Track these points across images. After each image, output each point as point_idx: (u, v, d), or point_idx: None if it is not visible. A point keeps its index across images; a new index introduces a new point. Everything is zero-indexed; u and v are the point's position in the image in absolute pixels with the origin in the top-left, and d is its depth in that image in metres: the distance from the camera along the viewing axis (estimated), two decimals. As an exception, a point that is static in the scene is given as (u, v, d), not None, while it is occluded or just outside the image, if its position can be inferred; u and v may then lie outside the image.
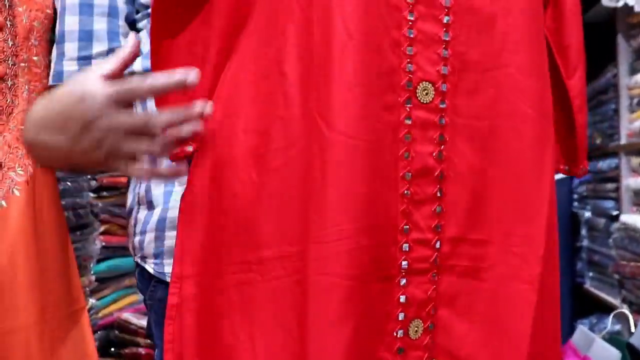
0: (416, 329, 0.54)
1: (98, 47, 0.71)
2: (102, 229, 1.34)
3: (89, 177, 1.24)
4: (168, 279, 0.72)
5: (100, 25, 0.71)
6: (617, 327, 1.56)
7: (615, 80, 1.80)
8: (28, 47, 0.77)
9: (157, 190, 0.76)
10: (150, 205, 0.76)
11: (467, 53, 0.55)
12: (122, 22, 0.73)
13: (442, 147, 0.55)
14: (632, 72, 1.73)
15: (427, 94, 0.54)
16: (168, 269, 0.73)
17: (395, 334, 0.53)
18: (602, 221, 1.98)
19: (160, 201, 0.76)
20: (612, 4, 1.60)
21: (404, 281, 0.53)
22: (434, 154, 0.54)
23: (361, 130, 0.51)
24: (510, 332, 0.54)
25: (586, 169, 0.70)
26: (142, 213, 0.77)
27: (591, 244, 2.11)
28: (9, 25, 0.76)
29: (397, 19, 0.53)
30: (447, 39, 0.55)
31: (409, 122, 0.54)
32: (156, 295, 0.74)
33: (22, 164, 0.73)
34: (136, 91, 0.53)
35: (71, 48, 0.71)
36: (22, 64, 0.76)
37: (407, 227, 0.53)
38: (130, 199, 0.80)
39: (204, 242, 0.57)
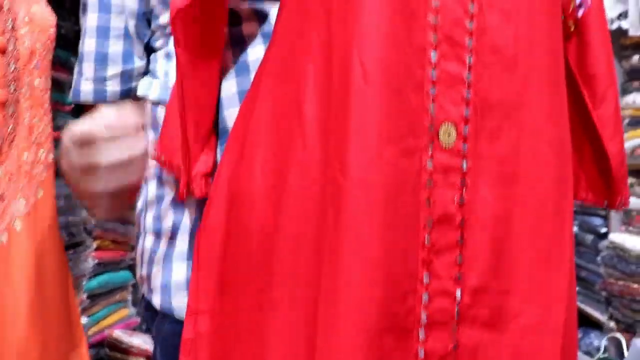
0: None
1: (112, 69, 0.74)
2: (94, 245, 1.32)
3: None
4: (175, 314, 0.71)
5: (115, 47, 0.74)
6: (604, 342, 1.58)
7: (606, 100, 1.82)
8: (30, 70, 0.76)
9: (166, 221, 0.75)
10: (158, 235, 0.76)
11: (489, 94, 0.54)
12: (138, 44, 0.75)
13: (464, 192, 0.54)
14: (624, 92, 1.75)
15: (449, 136, 0.54)
16: (175, 302, 0.72)
17: None
18: (589, 238, 2.01)
19: (167, 232, 0.75)
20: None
21: (422, 334, 0.52)
22: (456, 200, 0.54)
23: (378, 178, 0.51)
24: None
25: (626, 201, 0.67)
26: (149, 241, 0.76)
27: (578, 260, 2.14)
28: (11, 48, 0.74)
29: (420, 59, 0.53)
30: (470, 79, 0.54)
31: (430, 166, 0.53)
32: (162, 329, 0.73)
33: (24, 195, 0.72)
34: (94, 137, 0.59)
35: (88, 68, 0.75)
36: (24, 89, 0.75)
37: (427, 276, 0.52)
38: (137, 225, 0.79)
39: (219, 278, 0.57)
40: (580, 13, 0.69)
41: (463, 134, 0.54)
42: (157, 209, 0.77)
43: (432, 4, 0.53)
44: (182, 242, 0.74)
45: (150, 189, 0.78)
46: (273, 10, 0.69)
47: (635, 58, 1.67)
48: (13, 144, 0.73)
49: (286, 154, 0.54)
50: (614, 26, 1.61)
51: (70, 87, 0.91)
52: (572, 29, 0.69)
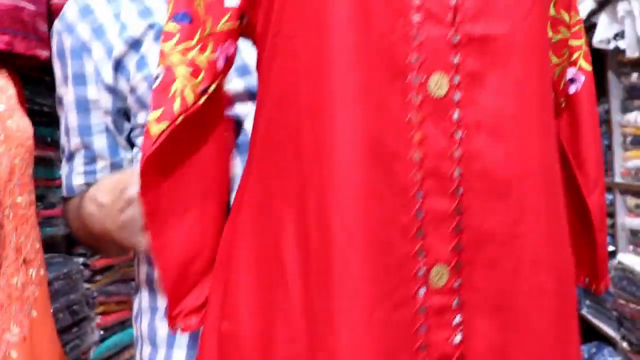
0: None
1: (101, 163, 0.75)
2: (98, 310, 1.31)
3: (81, 268, 1.21)
4: None
5: (100, 142, 0.75)
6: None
7: (607, 116, 1.79)
8: (11, 190, 0.73)
9: (161, 331, 0.74)
10: (154, 344, 0.75)
11: (482, 225, 0.51)
12: (120, 137, 0.76)
13: (460, 330, 0.52)
14: (624, 110, 1.72)
15: (440, 277, 0.52)
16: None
17: None
18: (598, 254, 1.98)
19: (163, 342, 0.74)
20: (603, 46, 1.59)
21: None
22: (451, 340, 0.52)
23: (369, 339, 0.49)
24: None
25: (608, 285, 0.68)
26: (147, 350, 0.75)
27: (588, 274, 2.11)
28: None
29: (404, 202, 0.50)
30: (460, 212, 0.51)
31: (422, 312, 0.51)
32: None
33: (16, 321, 0.70)
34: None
35: (78, 164, 0.76)
36: (7, 211, 0.73)
37: None
38: (134, 329, 0.78)
39: None
40: (572, 90, 0.67)
41: (455, 270, 0.52)
42: (151, 318, 0.76)
43: (414, 138, 0.51)
44: (179, 352, 0.73)
45: (143, 297, 0.77)
46: (248, 118, 0.67)
47: (634, 76, 1.64)
48: (1, 272, 0.72)
49: (270, 304, 0.52)
50: (611, 46, 1.57)
51: (57, 162, 0.91)
52: (563, 105, 0.67)
